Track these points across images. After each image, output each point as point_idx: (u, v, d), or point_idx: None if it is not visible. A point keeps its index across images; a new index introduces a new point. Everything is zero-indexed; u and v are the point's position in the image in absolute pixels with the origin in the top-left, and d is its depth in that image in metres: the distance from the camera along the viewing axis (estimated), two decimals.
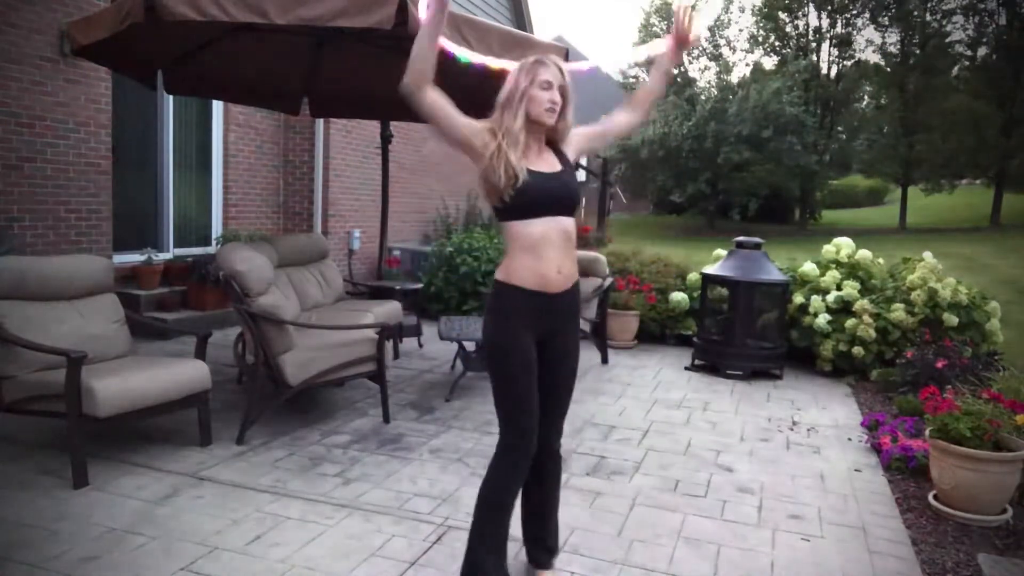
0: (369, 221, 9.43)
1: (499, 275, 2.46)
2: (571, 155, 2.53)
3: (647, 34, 23.37)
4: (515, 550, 2.92)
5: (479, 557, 2.45)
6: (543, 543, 2.75)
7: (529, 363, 2.44)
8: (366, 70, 5.78)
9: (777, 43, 24.74)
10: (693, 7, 2.65)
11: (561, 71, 2.42)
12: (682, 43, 2.65)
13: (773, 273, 6.24)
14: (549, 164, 2.44)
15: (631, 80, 23.81)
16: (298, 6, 3.54)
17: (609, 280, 6.50)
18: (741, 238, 6.55)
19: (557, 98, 2.39)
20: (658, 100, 2.78)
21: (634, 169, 21.82)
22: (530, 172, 2.35)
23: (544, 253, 2.38)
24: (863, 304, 6.02)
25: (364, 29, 3.68)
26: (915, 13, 22.99)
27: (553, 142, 2.51)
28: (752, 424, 4.84)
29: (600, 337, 6.40)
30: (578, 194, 2.53)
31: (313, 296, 5.66)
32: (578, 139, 2.57)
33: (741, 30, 31.81)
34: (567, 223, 2.43)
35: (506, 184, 2.31)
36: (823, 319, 6.16)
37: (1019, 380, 4.26)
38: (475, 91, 5.34)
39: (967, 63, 24.24)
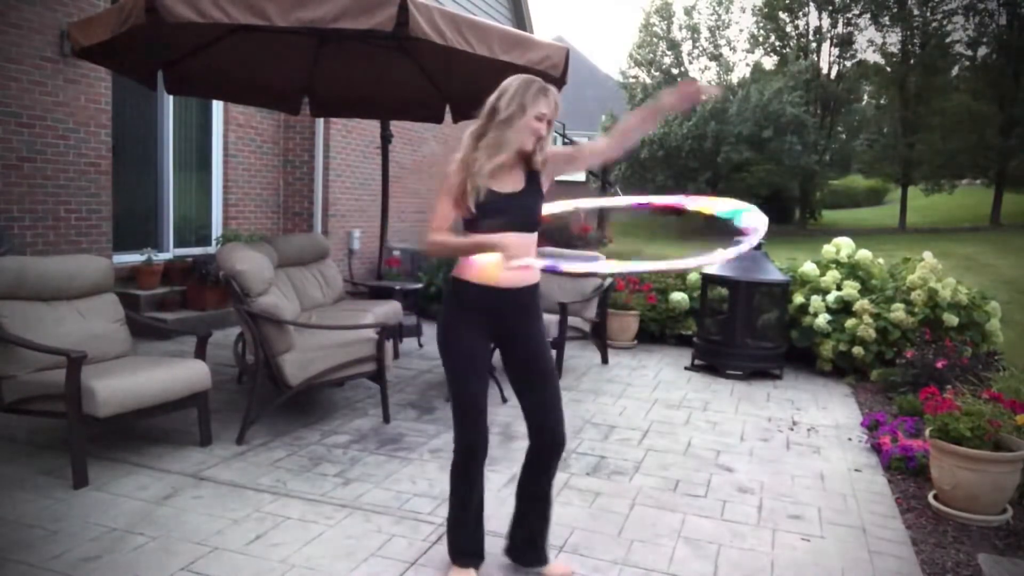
0: (369, 221, 9.43)
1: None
2: (544, 179, 2.63)
3: (648, 34, 23.34)
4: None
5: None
6: (537, 543, 2.75)
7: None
8: (366, 70, 5.79)
9: (777, 43, 24.74)
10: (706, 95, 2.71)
11: (556, 103, 2.54)
12: (691, 101, 2.67)
13: (773, 273, 6.24)
14: (514, 183, 2.56)
15: (631, 80, 23.77)
16: (299, 8, 3.54)
17: (609, 280, 6.50)
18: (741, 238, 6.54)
19: (544, 132, 2.52)
20: (636, 136, 2.81)
21: (634, 169, 21.80)
22: (491, 192, 2.49)
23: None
24: (863, 304, 6.02)
25: (365, 30, 3.68)
26: (916, 13, 23.00)
27: (530, 161, 2.58)
28: (752, 424, 4.84)
29: (600, 337, 6.39)
30: (534, 213, 2.59)
31: (313, 296, 5.66)
32: (552, 164, 2.64)
33: (741, 30, 31.74)
34: (524, 236, 2.55)
35: (471, 200, 2.48)
36: (823, 319, 6.16)
37: (1019, 380, 4.26)
38: (476, 81, 5.31)
39: (967, 63, 24.24)
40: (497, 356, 2.76)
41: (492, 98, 2.53)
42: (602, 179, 13.41)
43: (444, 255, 2.44)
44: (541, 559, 2.74)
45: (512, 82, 2.54)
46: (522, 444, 4.20)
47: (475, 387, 2.61)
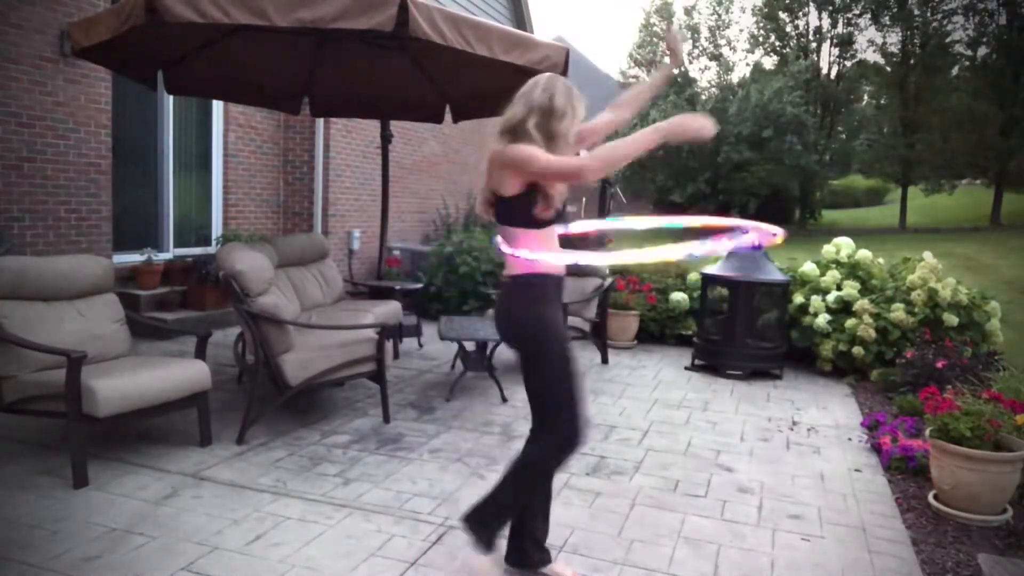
0: (369, 221, 9.43)
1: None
2: None
3: (647, 34, 23.41)
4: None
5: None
6: (542, 543, 2.77)
7: None
8: (366, 70, 5.79)
9: (778, 43, 24.78)
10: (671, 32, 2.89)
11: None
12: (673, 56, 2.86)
13: (773, 273, 6.23)
14: None
15: (631, 80, 23.83)
16: (299, 8, 3.54)
17: (609, 280, 6.50)
18: None
19: None
20: (645, 101, 2.94)
21: (634, 169, 21.84)
22: None
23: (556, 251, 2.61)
24: (863, 304, 6.02)
25: (365, 30, 3.68)
26: (916, 13, 23.03)
27: None
28: (752, 424, 4.84)
29: (600, 337, 6.39)
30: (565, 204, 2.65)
31: (313, 296, 5.66)
32: None
33: (742, 30, 31.89)
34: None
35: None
36: (823, 319, 6.16)
37: (1019, 380, 4.26)
38: (476, 81, 5.31)
39: (967, 63, 24.27)
40: (498, 353, 2.76)
41: (542, 94, 2.45)
42: (602, 179, 13.40)
43: (616, 163, 2.40)
44: (547, 558, 2.76)
45: (554, 81, 2.50)
46: (522, 443, 4.20)
47: (578, 377, 2.53)
